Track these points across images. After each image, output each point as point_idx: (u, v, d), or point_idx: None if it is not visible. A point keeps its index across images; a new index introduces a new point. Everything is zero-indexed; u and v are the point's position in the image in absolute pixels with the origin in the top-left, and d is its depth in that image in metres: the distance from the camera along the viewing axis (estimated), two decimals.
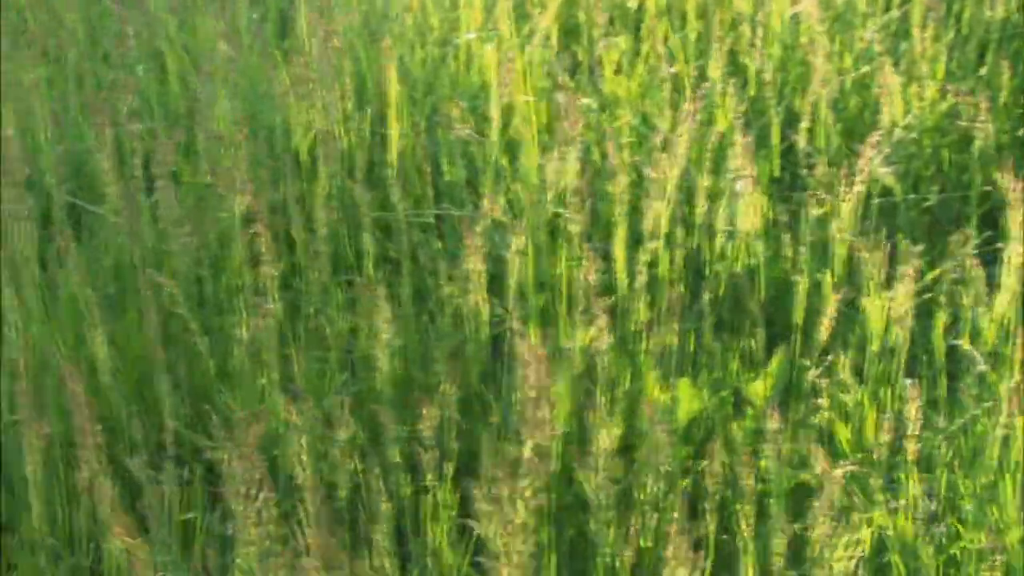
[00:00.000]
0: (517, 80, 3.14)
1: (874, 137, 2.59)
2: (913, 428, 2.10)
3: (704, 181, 2.67)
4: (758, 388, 2.63)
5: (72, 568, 2.17)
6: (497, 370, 2.69)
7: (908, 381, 2.52)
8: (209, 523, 2.28)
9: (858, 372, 2.51)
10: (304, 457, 1.95)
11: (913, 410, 2.08)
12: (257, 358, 2.50)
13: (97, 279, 2.36)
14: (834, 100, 3.19)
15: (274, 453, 2.36)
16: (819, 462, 1.95)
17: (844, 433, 2.45)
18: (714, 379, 2.67)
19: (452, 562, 2.20)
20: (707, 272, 2.78)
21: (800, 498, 2.38)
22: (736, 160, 2.65)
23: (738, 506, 2.25)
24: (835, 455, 2.42)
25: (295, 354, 2.57)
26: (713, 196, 2.77)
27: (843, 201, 2.55)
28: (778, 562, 1.94)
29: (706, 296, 2.71)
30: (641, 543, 2.08)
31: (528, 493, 1.72)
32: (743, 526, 1.98)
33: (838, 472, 2.11)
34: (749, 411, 2.61)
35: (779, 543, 1.94)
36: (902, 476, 2.33)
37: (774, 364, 2.65)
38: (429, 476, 2.15)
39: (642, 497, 2.28)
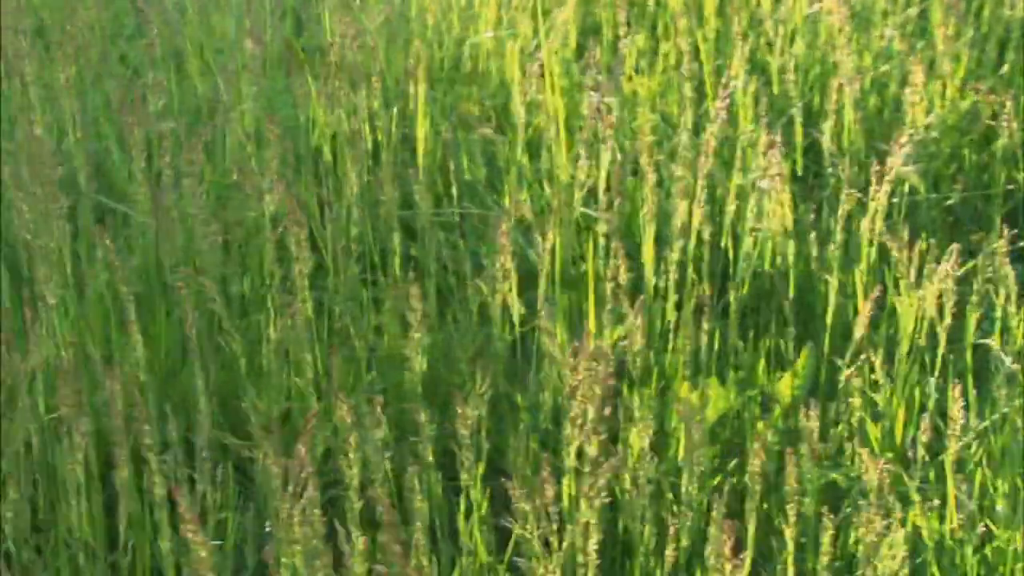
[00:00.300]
0: (539, 78, 3.14)
1: (904, 136, 2.59)
2: (953, 427, 2.09)
3: (735, 180, 2.66)
4: (785, 387, 2.63)
5: (110, 567, 2.17)
6: (519, 369, 2.70)
7: (933, 380, 2.54)
8: (241, 523, 2.28)
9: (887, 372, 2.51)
10: (352, 455, 1.94)
11: (955, 409, 2.08)
12: (286, 357, 2.50)
13: (125, 277, 2.35)
14: (856, 99, 3.18)
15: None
16: (865, 462, 1.95)
17: (875, 432, 2.44)
18: (741, 378, 2.67)
19: (486, 561, 2.19)
20: (734, 271, 2.78)
21: (826, 498, 2.38)
22: (765, 159, 2.65)
23: (769, 505, 2.26)
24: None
25: (321, 353, 2.57)
26: (740, 195, 2.77)
27: (872, 200, 2.55)
28: (824, 561, 1.94)
29: (732, 295, 2.71)
30: (679, 543, 2.07)
31: (593, 492, 1.72)
32: (786, 525, 1.98)
33: (877, 471, 2.12)
34: (778, 410, 2.61)
35: (825, 542, 1.93)
36: (932, 475, 2.33)
37: (800, 363, 2.65)
38: (465, 475, 2.14)
39: (672, 496, 2.28)
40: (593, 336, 2.60)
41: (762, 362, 2.68)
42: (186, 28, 3.40)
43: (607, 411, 2.05)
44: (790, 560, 1.98)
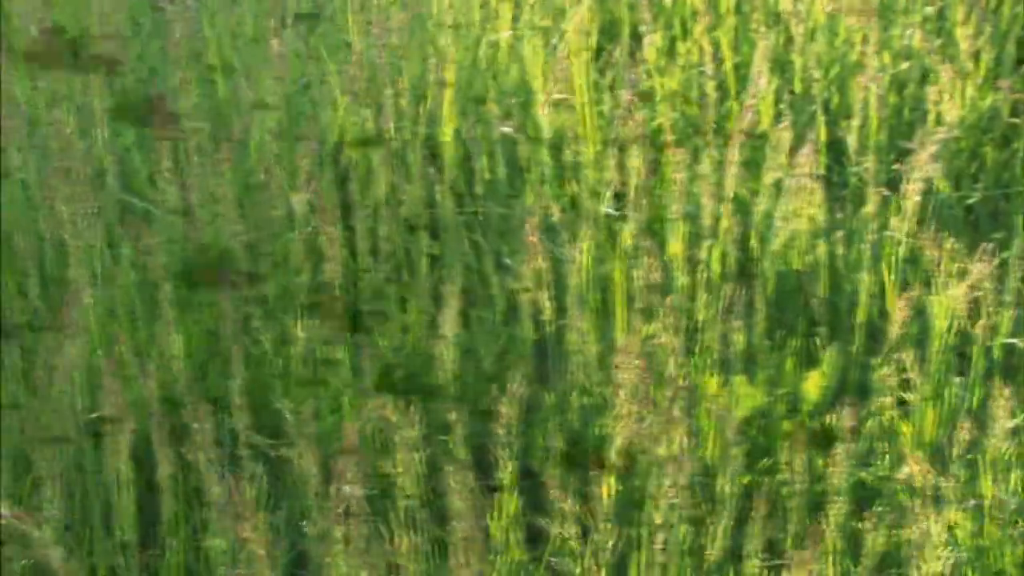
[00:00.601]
0: (561, 77, 3.13)
1: (939, 133, 2.58)
2: (1001, 426, 2.09)
3: (765, 178, 2.66)
4: (813, 386, 2.63)
5: (145, 566, 2.17)
6: (543, 368, 2.69)
7: (960, 379, 2.54)
8: (273, 521, 2.27)
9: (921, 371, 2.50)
10: (404, 456, 1.94)
11: (997, 408, 2.07)
12: (314, 356, 2.49)
13: (163, 276, 2.36)
14: (879, 97, 3.18)
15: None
16: (914, 464, 1.94)
17: (907, 431, 2.44)
18: (768, 377, 2.67)
19: (520, 559, 2.19)
20: (760, 270, 2.77)
21: (854, 497, 2.38)
22: (796, 157, 2.65)
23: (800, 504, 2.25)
24: (898, 454, 2.42)
25: (349, 352, 2.56)
26: (768, 194, 2.77)
27: (906, 199, 2.55)
28: (867, 562, 1.94)
29: (759, 294, 2.70)
30: (715, 544, 2.07)
31: (675, 492, 1.71)
32: (827, 526, 1.97)
33: (909, 471, 2.12)
34: (805, 409, 2.60)
35: (869, 543, 1.93)
36: (964, 475, 2.32)
37: (827, 362, 2.64)
38: (501, 474, 2.13)
39: (700, 496, 2.27)
40: (622, 335, 2.61)
41: (790, 361, 2.68)
42: (206, 27, 3.38)
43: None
44: (831, 560, 1.98)
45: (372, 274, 2.67)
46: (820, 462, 2.32)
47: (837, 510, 1.98)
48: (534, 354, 2.67)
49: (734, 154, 2.68)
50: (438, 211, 2.91)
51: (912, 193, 2.53)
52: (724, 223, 2.68)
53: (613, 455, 1.96)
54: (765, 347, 2.69)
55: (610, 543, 1.89)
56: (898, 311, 2.37)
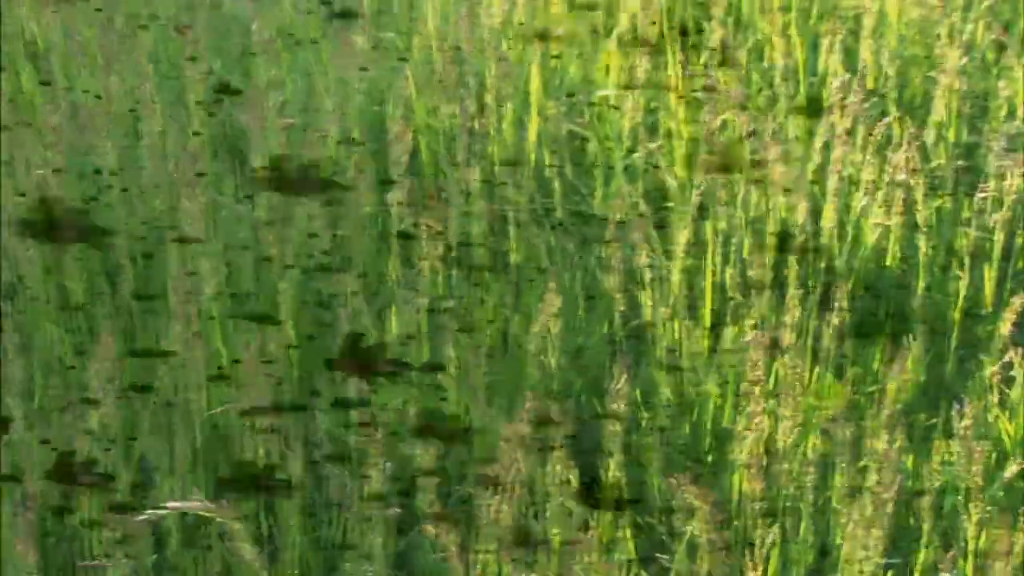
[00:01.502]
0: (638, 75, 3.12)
1: None
2: None
3: (867, 175, 2.65)
4: (899, 384, 2.61)
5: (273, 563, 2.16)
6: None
7: None
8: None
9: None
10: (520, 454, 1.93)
11: None
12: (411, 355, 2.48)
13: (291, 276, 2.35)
14: (957, 92, 3.17)
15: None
16: None
17: (1008, 430, 2.43)
18: (856, 376, 2.65)
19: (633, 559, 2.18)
20: (850, 267, 2.76)
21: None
22: (899, 152, 2.64)
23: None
24: (1001, 453, 2.41)
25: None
26: (862, 191, 2.76)
27: (1007, 195, 2.54)
28: (1017, 563, 1.92)
29: (845, 292, 2.69)
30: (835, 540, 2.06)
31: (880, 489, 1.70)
32: (968, 525, 1.96)
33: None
34: (894, 407, 2.59)
35: (1001, 542, 1.91)
36: None
37: (913, 361, 2.63)
38: (611, 473, 2.12)
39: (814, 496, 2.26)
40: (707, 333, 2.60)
41: (877, 359, 2.66)
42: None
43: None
44: (970, 563, 1.97)
45: (461, 272, 2.66)
46: (916, 460, 2.32)
47: (979, 511, 1.96)
48: (627, 352, 2.66)
49: (843, 148, 2.67)
50: (518, 212, 2.90)
51: (1011, 190, 2.52)
52: (816, 219, 2.67)
53: (745, 453, 1.95)
54: (853, 345, 2.67)
55: (756, 540, 1.88)
56: (1015, 306, 2.36)
